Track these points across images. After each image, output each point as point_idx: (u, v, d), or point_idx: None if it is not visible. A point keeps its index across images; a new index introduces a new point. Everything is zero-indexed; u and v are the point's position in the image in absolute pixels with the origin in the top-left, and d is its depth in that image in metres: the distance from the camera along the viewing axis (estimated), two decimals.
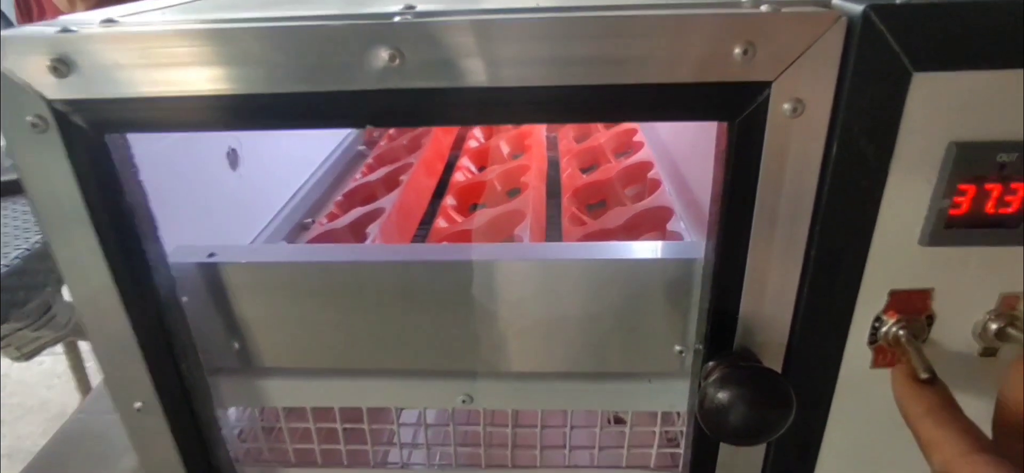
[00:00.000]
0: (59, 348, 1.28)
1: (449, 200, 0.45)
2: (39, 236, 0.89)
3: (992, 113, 0.23)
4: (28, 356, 1.23)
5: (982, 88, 0.23)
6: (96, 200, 0.26)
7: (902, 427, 0.30)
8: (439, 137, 0.53)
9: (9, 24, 1.50)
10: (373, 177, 0.49)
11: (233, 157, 0.38)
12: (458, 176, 0.49)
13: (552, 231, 0.45)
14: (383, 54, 0.23)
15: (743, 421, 0.26)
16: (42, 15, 1.39)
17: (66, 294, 1.13)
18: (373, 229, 0.38)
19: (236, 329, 0.32)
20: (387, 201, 0.41)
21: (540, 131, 0.60)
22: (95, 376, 1.45)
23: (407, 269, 0.30)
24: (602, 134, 0.58)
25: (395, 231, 0.39)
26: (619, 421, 0.39)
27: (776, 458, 0.31)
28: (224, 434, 0.35)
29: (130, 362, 0.30)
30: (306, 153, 0.48)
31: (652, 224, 0.40)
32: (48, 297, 1.05)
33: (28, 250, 0.84)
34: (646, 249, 0.30)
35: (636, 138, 0.54)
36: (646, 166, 0.46)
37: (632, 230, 0.40)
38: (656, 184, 0.44)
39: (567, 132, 0.64)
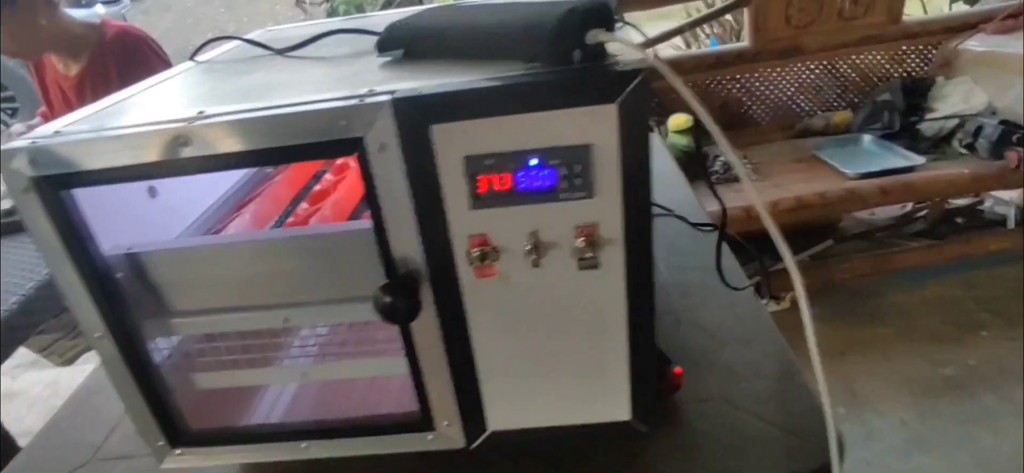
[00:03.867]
0: None
1: (303, 205, 0.69)
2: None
3: (479, 139, 0.46)
4: (70, 361, 1.52)
5: (472, 127, 0.45)
6: (59, 226, 0.51)
7: (512, 307, 0.52)
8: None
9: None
10: (259, 193, 0.73)
11: (153, 191, 0.63)
12: (316, 186, 0.73)
13: None
14: (182, 140, 0.47)
15: (390, 308, 0.49)
16: (42, 73, 1.71)
17: None
18: (234, 225, 0.62)
19: (152, 289, 0.57)
20: (248, 209, 0.65)
21: None
22: None
23: (231, 248, 0.55)
24: None
25: (250, 226, 0.64)
26: None
27: (445, 332, 0.54)
28: (156, 357, 0.60)
29: (89, 312, 0.55)
30: (215, 180, 0.73)
31: None
32: None
33: (37, 281, 1.12)
34: (352, 225, 0.54)
35: None
36: None
37: None
38: None
39: None
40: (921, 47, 2.26)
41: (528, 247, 0.49)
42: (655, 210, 1.09)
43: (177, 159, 0.48)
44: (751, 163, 2.12)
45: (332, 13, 8.17)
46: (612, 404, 0.56)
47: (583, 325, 0.52)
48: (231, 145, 0.47)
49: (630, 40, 0.47)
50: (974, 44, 2.11)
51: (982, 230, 2.27)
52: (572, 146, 0.46)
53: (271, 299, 0.57)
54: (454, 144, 0.46)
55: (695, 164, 2.07)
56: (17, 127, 1.94)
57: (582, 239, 0.49)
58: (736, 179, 2.08)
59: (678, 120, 2.11)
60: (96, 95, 1.71)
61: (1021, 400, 1.66)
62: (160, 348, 0.61)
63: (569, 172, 0.47)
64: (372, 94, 0.46)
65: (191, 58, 0.76)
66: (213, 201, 0.69)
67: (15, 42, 1.59)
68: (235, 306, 0.58)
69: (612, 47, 0.47)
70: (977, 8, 2.41)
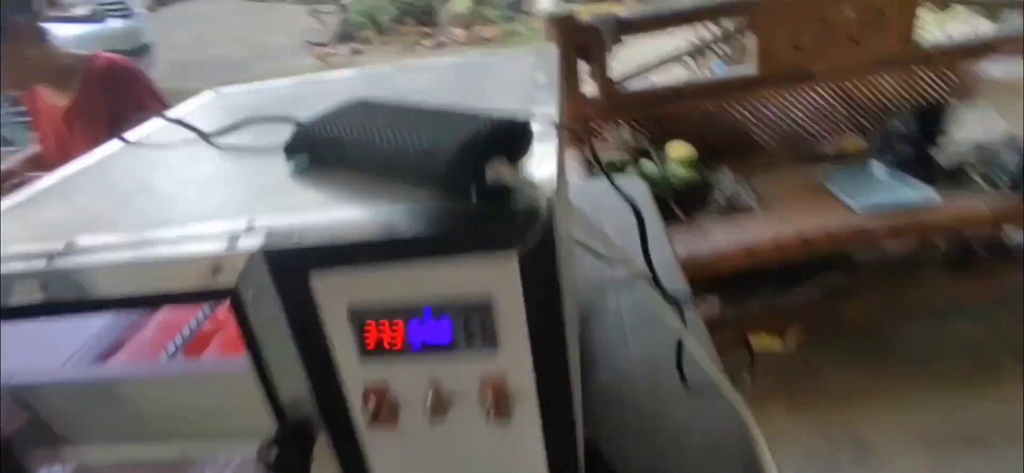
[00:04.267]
0: None
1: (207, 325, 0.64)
2: None
3: (364, 289, 0.40)
4: None
5: (355, 277, 0.40)
6: None
7: (418, 460, 0.47)
8: None
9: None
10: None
11: None
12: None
13: None
14: (43, 283, 0.42)
15: (277, 463, 0.44)
16: (33, 102, 1.70)
17: None
18: (136, 341, 0.58)
19: (36, 418, 0.53)
20: (153, 320, 0.61)
21: None
22: None
23: (117, 380, 0.50)
24: None
25: (154, 338, 0.59)
26: None
27: None
28: None
29: None
30: None
31: None
32: None
33: None
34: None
35: None
36: None
37: None
38: None
39: None
40: (936, 71, 2.16)
41: (429, 401, 0.44)
42: (628, 273, 1.03)
43: (36, 303, 0.43)
44: (756, 193, 2.03)
45: (346, 23, 8.23)
46: None
47: None
48: (95, 289, 0.42)
49: (533, 178, 0.41)
50: (993, 68, 2.00)
51: (1007, 261, 2.15)
52: (469, 299, 0.40)
53: (166, 431, 0.52)
54: (337, 294, 0.41)
55: (696, 197, 2.00)
56: (15, 158, 1.93)
57: (489, 392, 0.43)
58: (739, 210, 2.00)
59: (679, 149, 2.04)
60: (85, 127, 1.69)
61: None
62: None
63: (468, 325, 0.41)
64: (249, 231, 0.41)
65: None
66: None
67: (3, 74, 1.57)
68: (127, 436, 0.53)
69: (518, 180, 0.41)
70: (998, 28, 2.30)
